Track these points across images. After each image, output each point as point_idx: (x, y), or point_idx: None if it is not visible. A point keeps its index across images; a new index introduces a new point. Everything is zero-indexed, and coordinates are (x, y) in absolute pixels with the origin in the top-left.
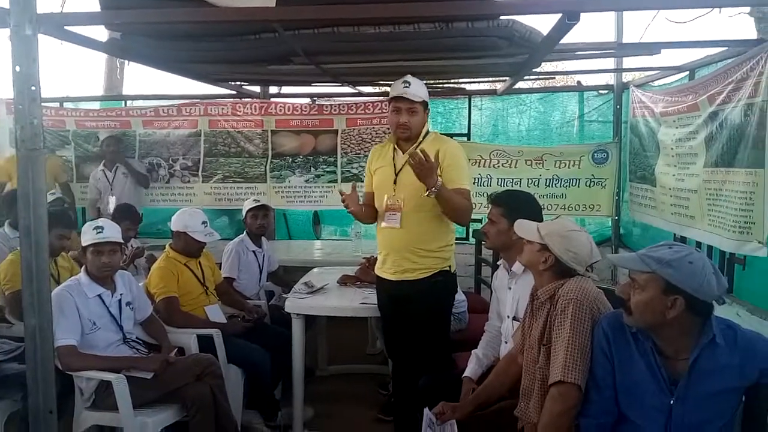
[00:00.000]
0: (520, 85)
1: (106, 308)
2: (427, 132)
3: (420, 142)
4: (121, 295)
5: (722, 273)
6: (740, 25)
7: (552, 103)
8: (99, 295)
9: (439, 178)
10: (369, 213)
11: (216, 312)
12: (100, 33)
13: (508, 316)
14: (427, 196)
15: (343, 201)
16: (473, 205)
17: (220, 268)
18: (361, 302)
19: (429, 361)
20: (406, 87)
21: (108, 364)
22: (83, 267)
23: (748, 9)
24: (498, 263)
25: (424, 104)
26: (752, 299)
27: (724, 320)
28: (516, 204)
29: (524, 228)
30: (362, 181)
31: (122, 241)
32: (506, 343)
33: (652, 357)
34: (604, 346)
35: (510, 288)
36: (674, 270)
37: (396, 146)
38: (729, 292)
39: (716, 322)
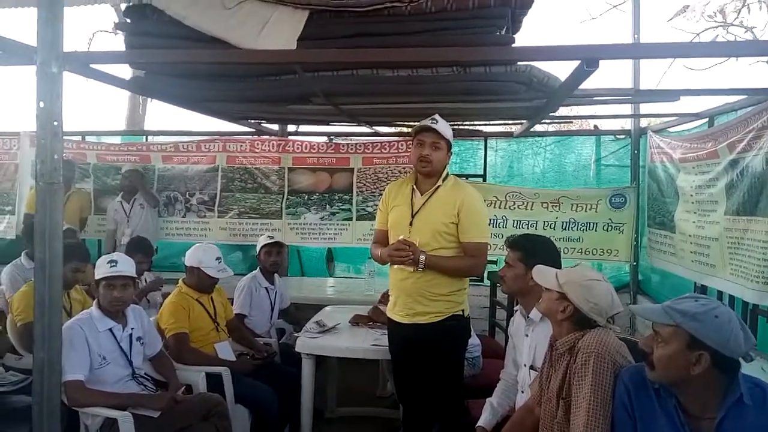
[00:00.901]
0: (537, 128)
1: (116, 343)
2: (447, 175)
3: (438, 186)
4: (132, 329)
5: (745, 325)
6: (759, 72)
7: (567, 146)
8: (110, 329)
9: (422, 255)
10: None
11: (226, 349)
12: (124, 71)
13: (525, 365)
14: (415, 272)
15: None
16: (488, 246)
17: (231, 304)
18: (372, 344)
19: (441, 407)
20: (434, 123)
21: (115, 401)
22: (95, 300)
23: (766, 57)
24: (515, 309)
25: (449, 144)
26: None
27: (751, 378)
28: (533, 248)
29: (542, 275)
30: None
31: (135, 275)
32: (522, 392)
33: (675, 415)
34: (626, 402)
35: (527, 335)
36: (700, 324)
37: (415, 186)
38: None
39: (743, 380)
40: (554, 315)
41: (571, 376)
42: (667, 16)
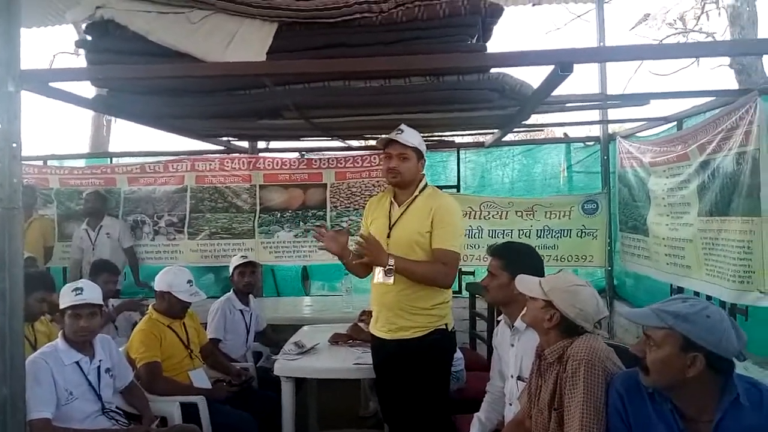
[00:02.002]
0: (508, 137)
1: (84, 376)
2: (425, 185)
3: (416, 196)
4: (100, 361)
5: (736, 323)
6: (721, 77)
7: (534, 156)
8: (77, 362)
9: (391, 258)
10: (363, 266)
11: (201, 376)
12: (86, 90)
13: (512, 376)
14: (386, 274)
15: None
16: (461, 258)
17: (205, 329)
18: (354, 362)
19: (428, 425)
20: (399, 133)
21: None
22: (61, 331)
23: (728, 61)
24: (499, 318)
25: (417, 152)
26: (758, 351)
27: (746, 378)
28: (516, 256)
29: (526, 283)
30: (352, 235)
31: (102, 303)
32: (511, 405)
33: (672, 419)
34: (620, 409)
35: (513, 345)
36: (692, 325)
37: (393, 199)
38: None
39: (739, 381)
40: (540, 324)
41: (562, 385)
42: (629, 24)
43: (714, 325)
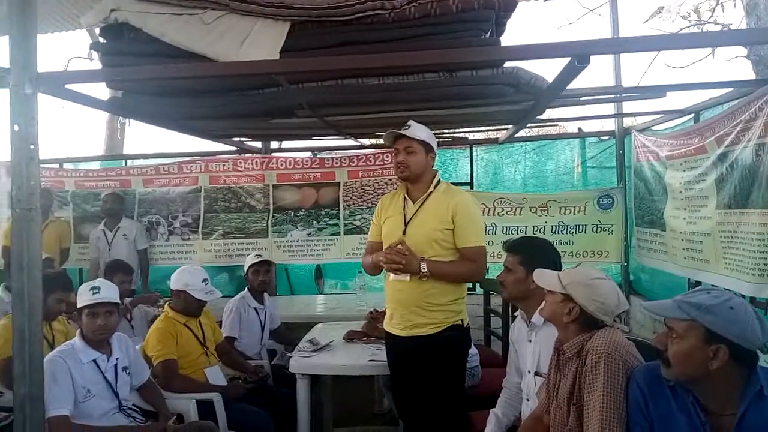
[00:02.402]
0: (521, 133)
1: (101, 374)
2: (438, 181)
3: (430, 192)
4: (117, 359)
5: (761, 315)
6: (737, 68)
7: (546, 152)
8: (94, 360)
9: (423, 263)
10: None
11: (216, 374)
12: (101, 92)
13: (530, 371)
14: (421, 279)
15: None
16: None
17: (220, 327)
18: (369, 359)
19: (443, 422)
20: (406, 128)
21: None
22: (78, 330)
23: (745, 52)
24: (515, 314)
25: (426, 145)
26: None
27: None
28: (533, 251)
29: (544, 277)
30: (365, 233)
31: (119, 301)
32: (528, 400)
33: (694, 413)
34: (641, 403)
35: (530, 341)
36: (715, 316)
37: (406, 196)
38: None
39: (762, 373)
40: (559, 318)
41: (581, 379)
42: (643, 17)
43: (738, 317)
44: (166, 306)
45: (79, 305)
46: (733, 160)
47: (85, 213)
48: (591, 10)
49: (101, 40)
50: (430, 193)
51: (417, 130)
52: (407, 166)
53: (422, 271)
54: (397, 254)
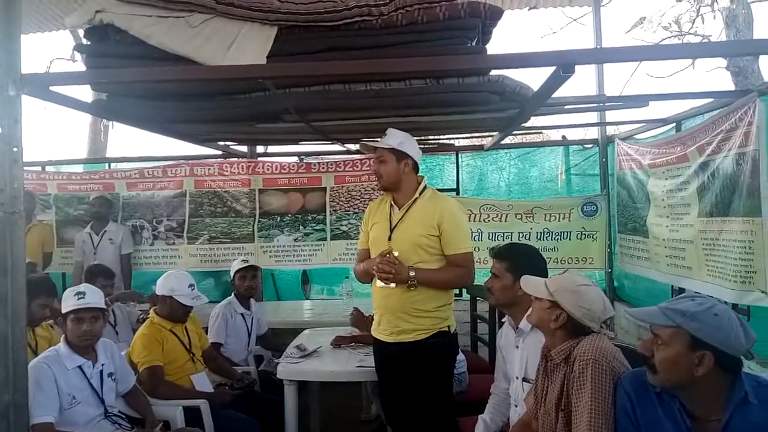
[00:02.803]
0: (506, 140)
1: (86, 380)
2: (424, 188)
3: (415, 199)
4: (102, 365)
5: (744, 321)
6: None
7: (531, 159)
8: (79, 366)
9: (411, 271)
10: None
11: (203, 380)
12: (85, 94)
13: (517, 377)
14: (409, 288)
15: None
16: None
17: (206, 333)
18: (357, 365)
19: (431, 428)
20: (382, 137)
21: None
22: (63, 336)
23: (725, 63)
24: (503, 320)
25: (397, 153)
26: (762, 350)
27: (753, 376)
28: (520, 257)
29: (531, 284)
30: (352, 239)
31: (104, 306)
32: (516, 406)
33: (680, 419)
34: (628, 409)
35: (517, 347)
36: (700, 323)
37: (392, 202)
38: None
39: (746, 379)
40: (547, 324)
41: (569, 386)
42: (625, 27)
43: (722, 323)
44: (151, 312)
45: (63, 310)
46: (714, 168)
47: (68, 216)
48: (574, 20)
49: (85, 41)
50: (416, 199)
51: (389, 138)
52: (380, 176)
53: (410, 279)
54: (387, 264)
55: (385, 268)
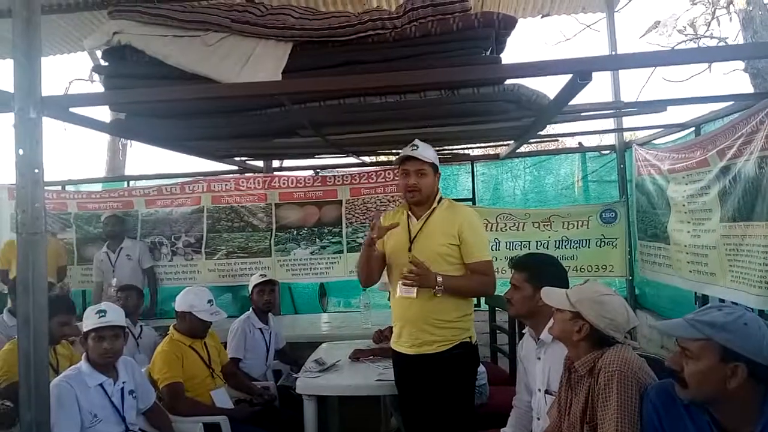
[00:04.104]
0: (520, 149)
1: (107, 398)
2: (441, 198)
3: (434, 209)
4: (123, 383)
5: None
6: (735, 82)
7: (546, 167)
8: (101, 384)
9: (439, 276)
10: (370, 265)
11: (222, 396)
12: (103, 114)
13: (539, 390)
14: (434, 295)
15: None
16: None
17: (225, 348)
18: (377, 379)
19: None
20: (414, 149)
21: None
22: (84, 354)
23: (742, 66)
24: (523, 331)
25: (434, 167)
26: None
27: None
28: (539, 267)
29: (552, 295)
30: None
31: (125, 325)
32: (539, 419)
33: None
34: (655, 422)
35: (539, 358)
36: (730, 334)
37: (410, 212)
38: None
39: None
40: (569, 336)
41: (594, 398)
42: (639, 32)
43: (753, 333)
44: (171, 328)
45: (85, 329)
46: (735, 173)
47: (87, 235)
48: (588, 26)
49: (103, 62)
50: (434, 209)
51: (426, 151)
52: (418, 190)
53: (437, 286)
54: (416, 267)
55: (414, 270)
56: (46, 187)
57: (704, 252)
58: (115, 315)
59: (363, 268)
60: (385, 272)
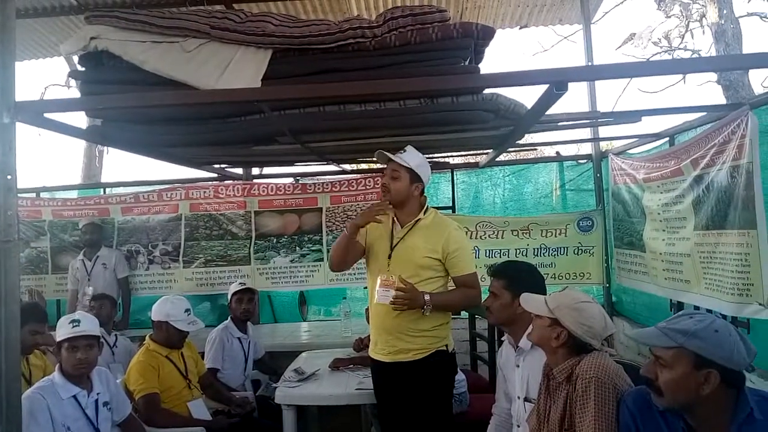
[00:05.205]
0: (500, 157)
1: (81, 410)
2: (427, 209)
3: (419, 219)
4: (98, 394)
5: (743, 334)
6: (708, 93)
7: (525, 175)
8: (74, 396)
9: (426, 295)
10: (350, 257)
11: (200, 407)
12: (79, 120)
13: (519, 397)
14: (423, 314)
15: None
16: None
17: (202, 358)
18: (356, 388)
19: None
20: (401, 153)
21: None
22: (57, 365)
23: (715, 78)
24: (502, 339)
25: (412, 174)
26: (762, 363)
27: (757, 391)
28: (518, 275)
29: (531, 302)
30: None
31: (100, 334)
32: (519, 426)
33: None
34: (632, 428)
35: (518, 366)
36: (702, 341)
37: (395, 219)
38: None
39: (751, 394)
40: (548, 343)
41: (572, 405)
42: (615, 44)
43: (724, 339)
44: (147, 338)
45: (58, 339)
46: (708, 182)
47: (62, 243)
48: (565, 38)
49: (80, 67)
50: (419, 219)
51: (409, 157)
52: (387, 190)
53: (426, 305)
54: (403, 289)
55: (401, 294)
56: (19, 194)
57: (679, 260)
58: (90, 324)
59: (338, 254)
60: None
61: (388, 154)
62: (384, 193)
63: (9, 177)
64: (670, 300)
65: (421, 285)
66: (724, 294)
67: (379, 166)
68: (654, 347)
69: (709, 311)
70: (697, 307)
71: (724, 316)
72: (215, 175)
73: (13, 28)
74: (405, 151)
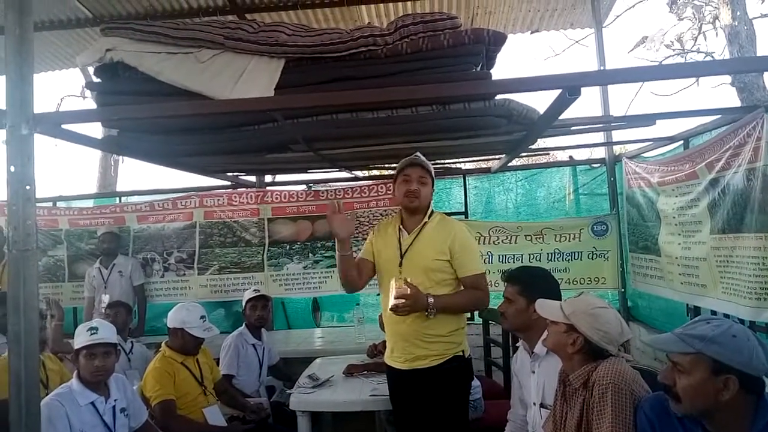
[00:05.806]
0: (512, 162)
1: (99, 417)
2: (432, 212)
3: (425, 223)
4: (115, 401)
5: (762, 340)
6: (722, 95)
7: (537, 180)
8: (92, 403)
9: (429, 297)
10: (354, 274)
11: (215, 414)
12: (95, 130)
13: (534, 403)
14: (428, 317)
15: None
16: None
17: (217, 364)
18: (371, 394)
19: None
20: (418, 158)
21: None
22: (75, 372)
23: (729, 80)
24: (517, 345)
25: (432, 179)
26: None
27: None
28: (532, 280)
29: (546, 308)
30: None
31: (117, 342)
32: None
33: None
34: None
35: (533, 372)
36: (721, 347)
37: (401, 226)
38: None
39: None
40: (564, 349)
41: (589, 411)
42: (627, 47)
43: (742, 345)
44: (163, 345)
45: (76, 346)
46: (724, 185)
47: (79, 251)
48: (576, 41)
49: (96, 79)
50: (425, 223)
51: (427, 163)
52: (417, 197)
53: (429, 309)
54: (404, 294)
55: (403, 295)
56: (37, 204)
57: (695, 264)
58: (107, 332)
59: (342, 272)
60: None
61: (418, 161)
62: (411, 200)
63: (28, 187)
64: (687, 305)
65: (433, 289)
66: (742, 298)
67: (390, 172)
68: (671, 353)
69: (727, 316)
70: (714, 312)
71: (742, 321)
72: (229, 183)
73: (32, 41)
74: (419, 156)
